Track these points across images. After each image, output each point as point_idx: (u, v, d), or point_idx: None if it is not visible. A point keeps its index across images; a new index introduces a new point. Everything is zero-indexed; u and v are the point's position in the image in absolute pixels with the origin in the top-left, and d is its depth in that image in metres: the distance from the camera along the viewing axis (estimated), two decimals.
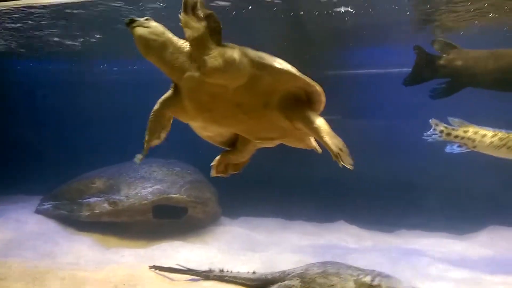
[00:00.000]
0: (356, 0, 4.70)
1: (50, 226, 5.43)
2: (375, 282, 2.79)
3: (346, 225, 6.31)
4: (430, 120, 3.66)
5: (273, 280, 3.32)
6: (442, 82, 4.16)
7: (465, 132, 3.56)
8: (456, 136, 3.58)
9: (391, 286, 2.74)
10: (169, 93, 2.06)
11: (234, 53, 1.89)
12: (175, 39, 1.97)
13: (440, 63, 4.09)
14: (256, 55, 1.94)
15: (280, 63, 1.97)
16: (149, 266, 4.18)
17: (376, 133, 6.47)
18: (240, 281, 3.61)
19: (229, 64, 1.88)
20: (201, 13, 1.88)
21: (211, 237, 5.51)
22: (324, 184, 6.65)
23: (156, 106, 2.08)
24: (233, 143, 2.30)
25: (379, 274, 2.94)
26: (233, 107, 2.01)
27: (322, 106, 2.08)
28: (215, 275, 3.78)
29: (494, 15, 4.74)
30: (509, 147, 3.44)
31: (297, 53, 6.71)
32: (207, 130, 2.17)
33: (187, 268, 4.00)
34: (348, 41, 6.47)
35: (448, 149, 3.63)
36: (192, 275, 3.98)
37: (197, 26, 1.88)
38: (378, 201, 6.23)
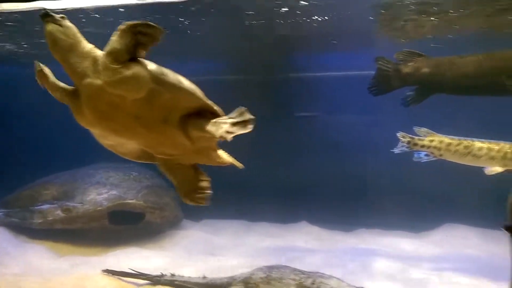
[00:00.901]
0: (321, 9, 4.76)
1: (1, 234, 5.22)
2: (315, 285, 2.79)
3: (308, 225, 6.35)
4: (397, 134, 3.67)
5: (221, 285, 3.30)
6: (412, 89, 4.23)
7: (431, 141, 3.62)
8: (423, 146, 3.64)
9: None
10: (71, 87, 2.07)
11: (137, 66, 1.92)
12: (85, 43, 1.96)
13: (407, 71, 4.15)
14: (159, 71, 1.96)
15: (181, 82, 2.01)
16: (102, 270, 4.16)
17: (339, 135, 6.54)
18: (189, 285, 3.60)
19: (130, 76, 1.90)
20: (139, 38, 1.91)
21: (169, 242, 5.43)
22: (287, 185, 6.69)
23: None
24: (140, 157, 2.30)
25: (321, 276, 2.95)
26: (132, 119, 2.03)
27: None
28: (165, 280, 3.74)
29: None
30: (474, 155, 3.53)
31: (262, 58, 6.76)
32: (107, 139, 2.17)
33: (138, 272, 3.94)
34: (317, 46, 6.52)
35: (415, 157, 3.69)
36: (143, 279, 3.93)
37: (125, 43, 1.89)
38: (339, 201, 6.29)
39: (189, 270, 4.38)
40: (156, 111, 2.02)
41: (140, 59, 1.96)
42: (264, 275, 3.05)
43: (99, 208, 5.12)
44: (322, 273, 3.07)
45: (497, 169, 3.57)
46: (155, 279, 3.80)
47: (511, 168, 3.59)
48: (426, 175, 5.63)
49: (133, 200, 5.21)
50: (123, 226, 5.37)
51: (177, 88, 2.00)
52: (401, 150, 3.69)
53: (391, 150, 3.74)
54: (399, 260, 4.71)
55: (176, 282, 3.64)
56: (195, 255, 5.04)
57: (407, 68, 4.19)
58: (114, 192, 5.22)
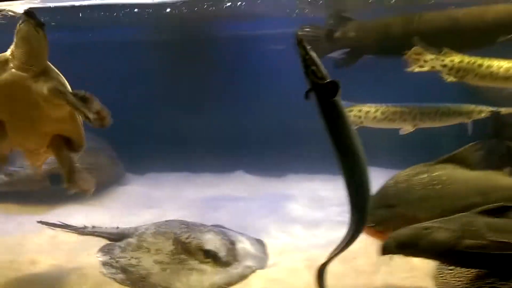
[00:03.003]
0: None
1: None
2: (188, 240, 3.33)
3: (243, 174, 6.94)
4: None
5: (128, 234, 3.84)
6: (343, 52, 4.61)
7: (351, 111, 4.16)
8: None
9: (200, 243, 3.27)
10: None
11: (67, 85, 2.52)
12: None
13: (337, 36, 4.49)
14: (74, 99, 2.50)
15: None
16: (37, 221, 4.69)
17: (269, 87, 6.90)
18: (105, 235, 4.11)
19: (65, 93, 2.49)
20: None
21: (110, 198, 5.94)
22: (226, 136, 7.14)
23: None
24: None
25: (200, 231, 3.45)
26: (24, 112, 2.53)
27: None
28: (88, 231, 4.27)
29: None
30: (390, 119, 4.18)
31: None
32: None
33: (65, 224, 4.49)
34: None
35: None
36: (70, 231, 4.43)
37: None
38: (271, 150, 6.80)
39: (124, 223, 4.92)
40: (50, 123, 2.59)
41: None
42: (154, 230, 3.57)
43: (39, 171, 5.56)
44: (205, 226, 3.59)
45: (409, 128, 4.23)
46: (79, 230, 4.32)
47: (421, 126, 4.25)
48: None
49: None
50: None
51: (75, 123, 2.65)
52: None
53: None
54: (311, 203, 5.35)
55: (95, 233, 4.18)
56: (133, 209, 5.53)
57: (337, 33, 4.49)
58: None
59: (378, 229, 2.84)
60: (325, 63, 4.56)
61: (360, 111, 4.18)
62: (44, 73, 2.44)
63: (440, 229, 2.36)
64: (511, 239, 2.24)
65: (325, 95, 2.21)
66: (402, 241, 2.50)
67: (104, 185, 6.11)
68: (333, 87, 2.21)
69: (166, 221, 3.78)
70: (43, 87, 2.41)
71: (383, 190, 3.05)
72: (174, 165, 7.02)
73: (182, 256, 3.17)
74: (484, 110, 4.19)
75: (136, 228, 3.84)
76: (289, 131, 6.70)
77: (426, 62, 3.79)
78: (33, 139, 2.71)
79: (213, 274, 3.02)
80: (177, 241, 3.31)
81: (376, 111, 4.19)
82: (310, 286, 3.04)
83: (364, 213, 2.59)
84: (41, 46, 2.37)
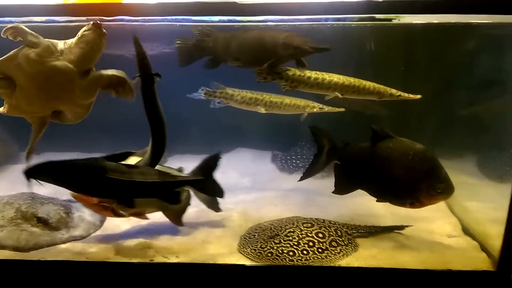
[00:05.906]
0: None
1: None
2: (26, 209, 4.03)
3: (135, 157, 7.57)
4: (200, 88, 5.42)
5: None
6: (208, 59, 5.45)
7: (221, 93, 5.39)
8: (215, 96, 5.39)
9: (35, 212, 4.00)
10: None
11: None
12: None
13: (203, 45, 5.33)
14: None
15: None
16: None
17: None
18: None
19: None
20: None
21: (0, 175, 6.49)
22: (119, 120, 7.72)
23: None
24: None
25: (42, 203, 4.16)
26: (55, 92, 3.38)
27: None
28: None
29: None
30: (247, 103, 5.37)
31: None
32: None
33: None
34: None
35: (212, 104, 5.50)
36: None
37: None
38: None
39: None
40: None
41: None
42: (6, 200, 4.23)
43: None
44: (47, 199, 4.28)
45: (262, 110, 5.42)
46: None
47: (273, 112, 5.43)
48: (224, 113, 7.02)
49: None
50: None
51: None
52: (199, 97, 5.50)
53: (188, 95, 5.57)
54: None
55: None
56: (17, 185, 5.96)
57: (201, 43, 5.35)
58: None
59: (103, 205, 4.01)
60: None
61: (227, 93, 5.39)
62: (89, 70, 3.16)
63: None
64: (119, 176, 3.32)
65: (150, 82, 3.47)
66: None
67: None
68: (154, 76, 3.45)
69: (20, 193, 4.45)
70: (84, 81, 3.16)
71: None
72: (68, 145, 7.55)
73: (19, 221, 3.89)
74: (316, 106, 5.33)
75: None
76: (177, 117, 7.37)
77: (268, 75, 4.67)
78: (41, 110, 3.43)
79: (40, 236, 3.76)
80: (18, 210, 4.02)
81: (238, 95, 5.35)
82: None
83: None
84: (98, 53, 3.10)
